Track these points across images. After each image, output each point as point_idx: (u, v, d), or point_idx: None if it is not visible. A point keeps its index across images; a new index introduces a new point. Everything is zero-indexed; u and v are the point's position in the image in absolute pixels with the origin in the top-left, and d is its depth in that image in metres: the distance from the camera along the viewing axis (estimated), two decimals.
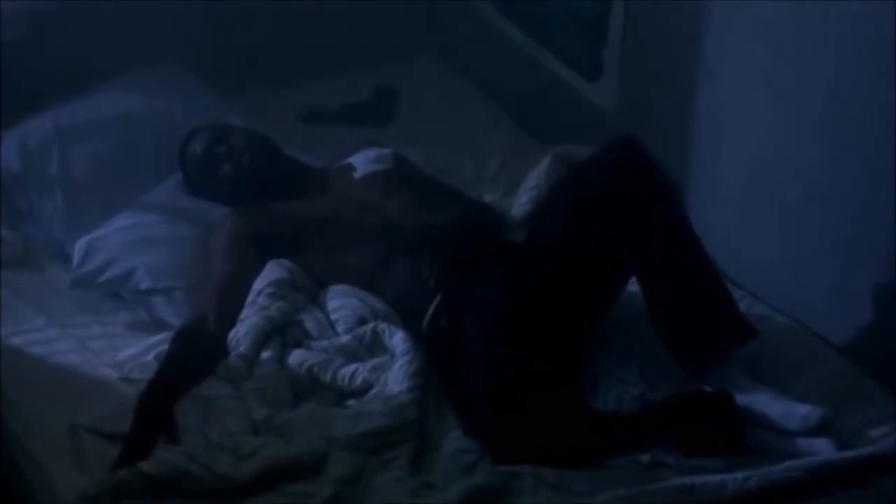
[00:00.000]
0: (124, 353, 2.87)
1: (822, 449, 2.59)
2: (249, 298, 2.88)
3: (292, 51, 3.81)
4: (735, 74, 3.04)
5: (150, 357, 2.82)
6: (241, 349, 2.76)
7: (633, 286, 2.81)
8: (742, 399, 2.64)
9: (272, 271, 2.93)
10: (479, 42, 3.89)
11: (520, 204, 3.14)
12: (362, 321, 2.83)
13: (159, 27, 3.60)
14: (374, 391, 2.69)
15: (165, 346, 2.81)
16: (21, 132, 3.34)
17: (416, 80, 3.92)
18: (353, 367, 2.74)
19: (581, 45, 3.47)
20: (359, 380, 2.72)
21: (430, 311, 2.79)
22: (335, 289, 2.93)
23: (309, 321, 2.86)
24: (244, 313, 2.85)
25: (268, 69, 3.78)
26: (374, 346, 2.79)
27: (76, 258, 3.05)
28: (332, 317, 2.87)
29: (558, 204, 2.82)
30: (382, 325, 2.80)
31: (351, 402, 2.71)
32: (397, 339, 2.76)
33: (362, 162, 3.18)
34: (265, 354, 2.76)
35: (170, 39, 3.61)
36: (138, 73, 3.51)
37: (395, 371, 2.68)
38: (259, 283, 2.90)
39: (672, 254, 2.71)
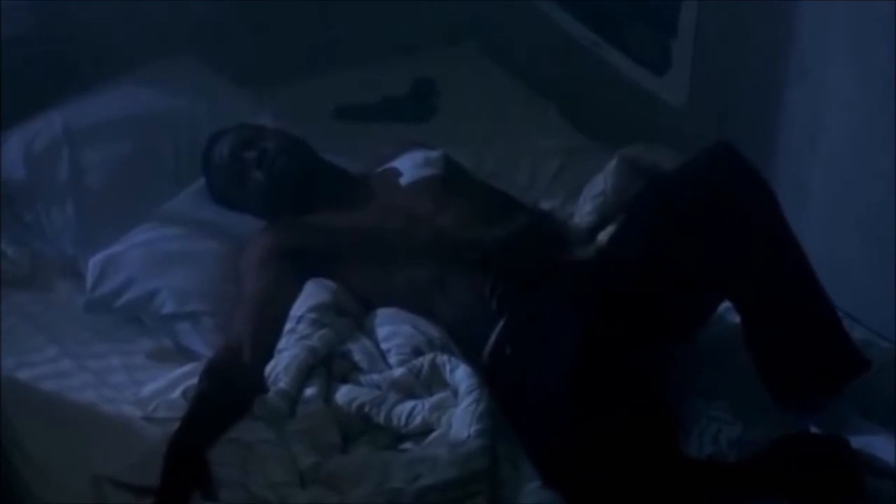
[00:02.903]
0: (148, 389, 2.62)
1: None
2: (288, 325, 2.62)
3: (316, 40, 3.61)
4: (832, 73, 2.80)
5: (177, 393, 2.58)
6: (282, 385, 2.50)
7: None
8: (855, 442, 2.37)
9: (313, 293, 2.66)
10: (524, 31, 3.65)
11: (584, 212, 2.88)
12: (417, 352, 2.56)
13: (172, 15, 3.39)
14: (435, 434, 2.43)
15: (193, 380, 2.57)
16: (25, 134, 3.10)
17: (454, 73, 3.66)
18: (409, 404, 2.48)
19: (646, 35, 3.23)
20: (417, 420, 2.46)
21: (493, 337, 2.53)
22: (384, 313, 2.66)
23: (357, 352, 2.59)
24: (283, 343, 2.59)
25: (291, 60, 3.58)
26: (432, 381, 2.52)
27: (90, 278, 2.81)
28: (383, 346, 2.61)
29: (642, 217, 2.53)
30: (442, 358, 2.52)
31: (407, 445, 2.45)
32: (460, 374, 2.48)
33: (409, 166, 2.90)
34: (309, 391, 2.51)
35: (185, 29, 3.40)
36: (153, 67, 3.27)
37: (460, 412, 2.41)
38: (299, 308, 2.63)
39: (777, 275, 2.43)
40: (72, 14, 3.27)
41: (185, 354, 2.73)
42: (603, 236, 2.83)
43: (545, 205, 3.03)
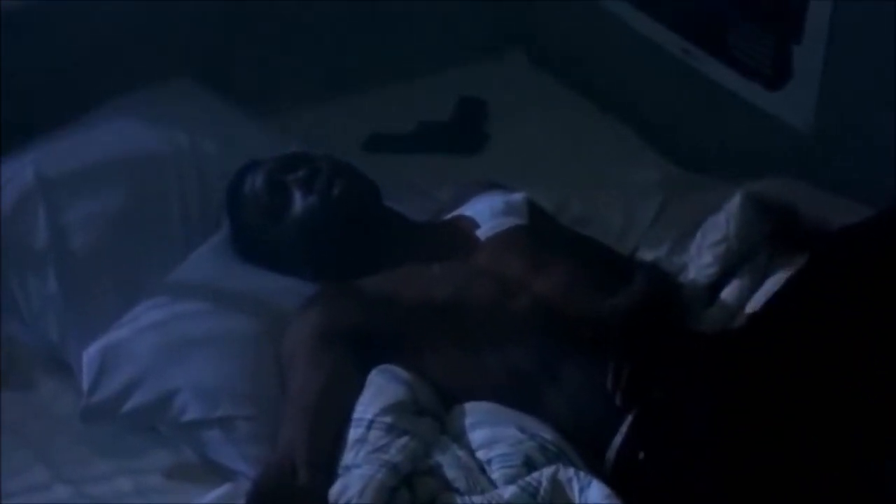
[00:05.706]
0: None
1: None
2: (355, 433, 2.13)
3: (338, 58, 3.27)
4: None
5: None
6: None
7: None
8: None
9: (383, 388, 2.18)
10: (583, 37, 3.22)
11: (702, 265, 2.42)
12: (529, 463, 2.08)
13: (167, 29, 3.04)
14: None
15: None
16: None
17: (501, 91, 3.22)
18: None
19: (757, 41, 2.78)
20: None
21: (619, 438, 2.11)
22: (476, 410, 2.17)
23: (449, 466, 2.10)
24: (350, 457, 2.10)
25: (310, 81, 3.22)
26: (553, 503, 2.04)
27: (86, 376, 2.35)
28: (480, 455, 2.12)
29: (817, 277, 2.13)
30: (566, 472, 2.04)
31: None
32: (595, 494, 2.01)
33: (487, 214, 2.45)
34: None
35: (181, 45, 3.07)
36: (145, 94, 2.87)
37: None
38: (367, 409, 2.15)
39: None
40: (39, 31, 2.90)
41: (215, 472, 2.30)
42: (727, 296, 2.40)
43: (646, 255, 2.55)
